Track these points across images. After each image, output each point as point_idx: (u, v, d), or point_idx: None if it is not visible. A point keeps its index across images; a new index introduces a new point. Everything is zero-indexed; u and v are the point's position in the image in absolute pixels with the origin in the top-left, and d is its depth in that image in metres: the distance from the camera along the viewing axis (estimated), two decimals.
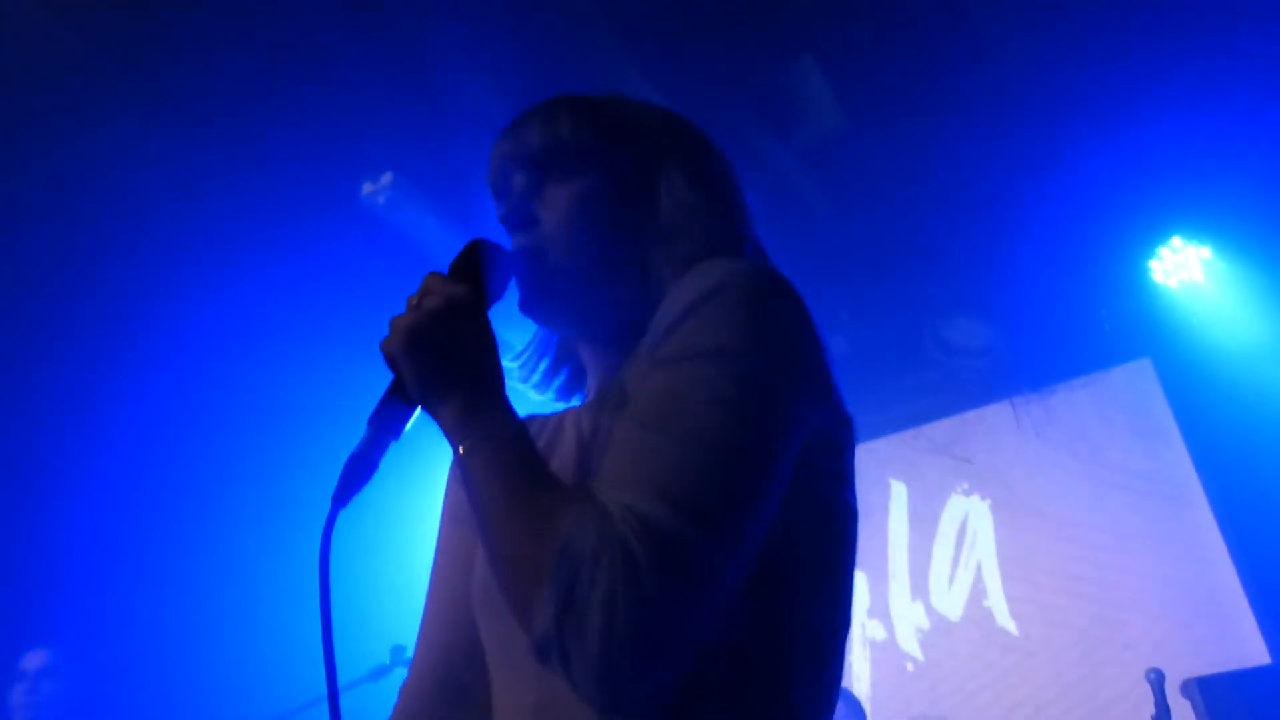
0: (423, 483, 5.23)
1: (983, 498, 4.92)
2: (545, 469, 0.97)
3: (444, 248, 4.05)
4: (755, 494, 0.91)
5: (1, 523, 4.24)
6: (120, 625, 4.39)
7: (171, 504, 4.56)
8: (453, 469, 1.29)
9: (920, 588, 4.86)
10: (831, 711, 1.04)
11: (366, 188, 3.67)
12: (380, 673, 2.83)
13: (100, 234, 3.90)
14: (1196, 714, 3.39)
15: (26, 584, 4.28)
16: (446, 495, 1.34)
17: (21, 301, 4.02)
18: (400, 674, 2.90)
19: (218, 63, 3.41)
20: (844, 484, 1.08)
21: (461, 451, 0.98)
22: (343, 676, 2.88)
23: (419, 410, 1.05)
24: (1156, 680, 3.33)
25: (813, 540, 1.02)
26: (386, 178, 3.65)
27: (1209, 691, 3.36)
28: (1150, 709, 3.32)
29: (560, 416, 1.23)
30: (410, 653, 2.86)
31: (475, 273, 1.09)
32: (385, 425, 1.04)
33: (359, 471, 1.02)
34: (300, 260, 4.02)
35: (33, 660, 3.33)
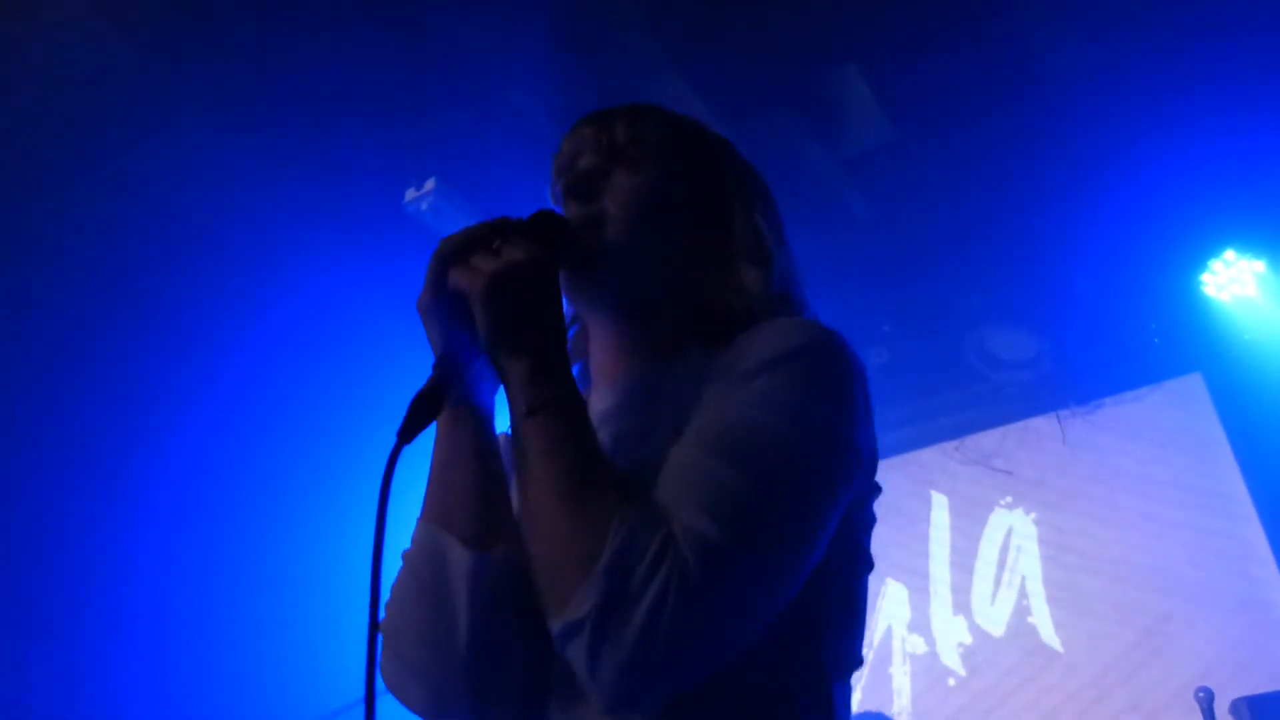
0: None
1: (1026, 512, 4.85)
2: (603, 452, 0.99)
3: None
4: (809, 541, 0.97)
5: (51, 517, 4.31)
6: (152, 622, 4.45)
7: (215, 508, 4.62)
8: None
9: (963, 602, 4.80)
10: None
11: (410, 194, 3.70)
12: None
13: (147, 242, 3.97)
14: None
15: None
16: None
17: (66, 309, 4.09)
18: None
19: (263, 70, 3.46)
20: (867, 531, 1.14)
21: (526, 410, 0.99)
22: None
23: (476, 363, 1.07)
24: (1205, 699, 3.27)
25: (844, 577, 1.08)
26: (430, 184, 3.68)
27: (1259, 710, 3.29)
28: None
29: None
30: None
31: (550, 239, 1.09)
32: (450, 368, 1.05)
33: (424, 409, 1.00)
34: (343, 266, 4.07)
35: None
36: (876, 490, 1.14)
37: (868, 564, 1.13)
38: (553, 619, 0.92)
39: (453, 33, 3.43)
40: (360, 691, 0.97)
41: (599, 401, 1.19)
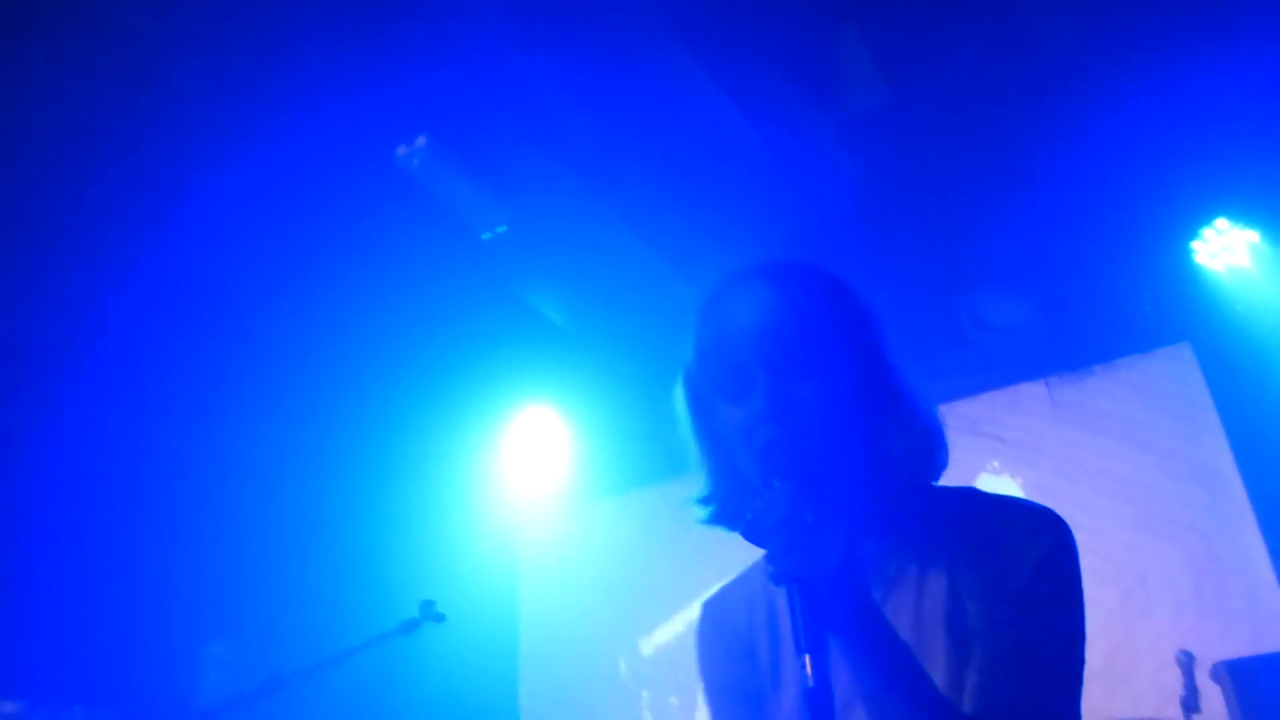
0: (449, 442, 5.28)
1: (1013, 477, 4.88)
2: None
3: (477, 211, 4.05)
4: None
5: None
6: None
7: (193, 466, 4.61)
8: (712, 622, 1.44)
9: None
10: None
11: (401, 150, 3.67)
12: (410, 627, 2.86)
13: (125, 197, 3.93)
14: (1226, 696, 3.37)
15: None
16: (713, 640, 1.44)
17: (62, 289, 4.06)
18: (429, 628, 2.95)
19: (252, 22, 3.41)
20: None
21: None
22: (373, 630, 2.93)
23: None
24: (1186, 663, 3.32)
25: None
26: (420, 140, 3.65)
27: (1239, 674, 3.33)
28: (1180, 691, 3.30)
29: None
30: (439, 607, 2.87)
31: None
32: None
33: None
34: (333, 220, 4.04)
35: None
36: None
37: None
38: None
39: None
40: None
41: None
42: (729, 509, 1.30)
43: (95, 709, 3.52)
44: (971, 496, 1.31)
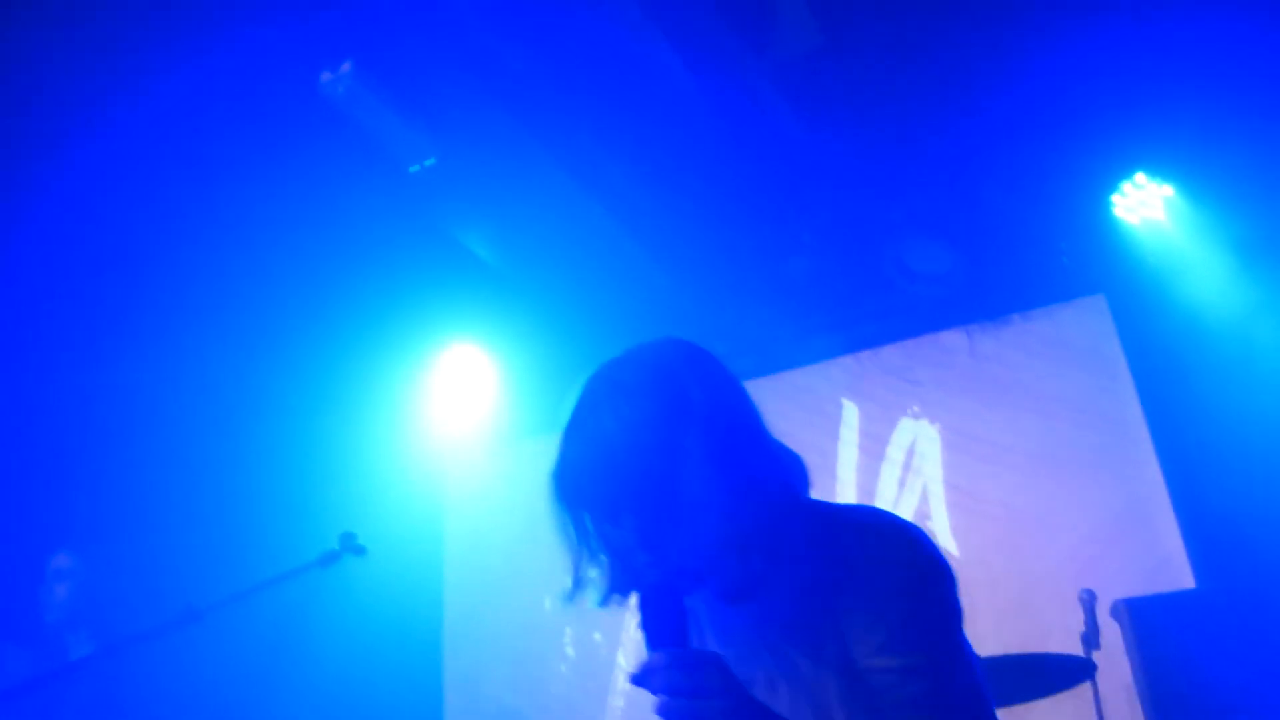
0: (374, 378, 5.22)
1: (931, 422, 4.99)
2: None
3: (405, 143, 3.97)
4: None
5: None
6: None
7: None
8: None
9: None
10: None
11: (325, 76, 3.56)
12: (329, 559, 2.84)
13: (39, 119, 3.78)
14: (1124, 633, 3.53)
15: None
16: None
17: None
18: (349, 561, 2.94)
19: None
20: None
21: None
22: (293, 562, 2.90)
23: None
24: (1088, 600, 3.46)
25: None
26: (345, 66, 3.55)
27: (1136, 612, 3.48)
28: (1081, 628, 3.45)
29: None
30: (360, 539, 2.85)
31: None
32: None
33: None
34: (253, 148, 3.92)
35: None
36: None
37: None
38: None
39: None
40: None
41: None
42: (606, 596, 1.38)
43: (21, 647, 3.45)
44: (836, 528, 1.35)
